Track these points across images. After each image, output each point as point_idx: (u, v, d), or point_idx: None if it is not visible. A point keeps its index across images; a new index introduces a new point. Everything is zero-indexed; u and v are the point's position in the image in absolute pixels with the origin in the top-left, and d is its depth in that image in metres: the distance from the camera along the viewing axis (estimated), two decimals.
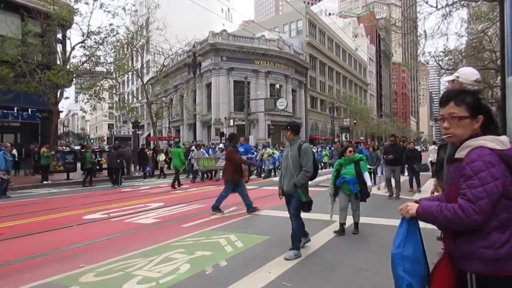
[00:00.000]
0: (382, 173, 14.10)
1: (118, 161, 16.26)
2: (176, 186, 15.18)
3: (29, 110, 23.06)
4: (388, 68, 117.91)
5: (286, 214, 8.73)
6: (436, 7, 15.38)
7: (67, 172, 18.59)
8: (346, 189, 6.69)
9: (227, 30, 45.01)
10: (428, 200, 2.01)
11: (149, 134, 47.37)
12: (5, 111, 21.92)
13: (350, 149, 6.89)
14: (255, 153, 20.71)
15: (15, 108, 22.31)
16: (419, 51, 20.08)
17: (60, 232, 7.31)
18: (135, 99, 44.70)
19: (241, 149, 16.27)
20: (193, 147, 20.37)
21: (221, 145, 22.89)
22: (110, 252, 5.59)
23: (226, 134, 33.85)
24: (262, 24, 53.41)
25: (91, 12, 20.66)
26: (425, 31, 17.54)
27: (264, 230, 7.04)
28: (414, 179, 13.18)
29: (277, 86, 41.96)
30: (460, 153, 1.87)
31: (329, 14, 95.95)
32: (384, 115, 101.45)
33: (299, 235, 5.53)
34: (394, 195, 11.44)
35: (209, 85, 43.59)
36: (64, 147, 32.60)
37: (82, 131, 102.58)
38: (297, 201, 5.40)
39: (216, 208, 8.73)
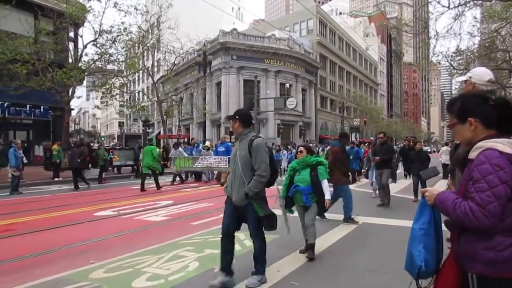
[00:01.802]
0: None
1: (79, 160, 14.42)
2: (146, 189, 13.45)
3: (42, 107, 23.41)
4: (399, 68, 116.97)
5: (294, 213, 8.77)
6: (449, 6, 15.25)
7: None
8: (299, 200, 5.37)
9: (238, 29, 45.06)
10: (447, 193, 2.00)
11: (159, 132, 47.59)
12: (17, 108, 22.25)
13: (300, 149, 5.64)
14: None
15: (28, 106, 22.66)
16: (430, 51, 19.89)
17: (71, 229, 7.39)
18: (145, 98, 44.99)
19: (221, 149, 15.88)
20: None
21: (207, 143, 20.78)
22: (120, 249, 5.64)
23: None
24: (272, 23, 53.33)
25: (104, 11, 20.86)
26: (436, 31, 17.38)
27: None
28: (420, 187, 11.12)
29: (287, 85, 41.82)
30: (472, 154, 1.88)
31: (340, 13, 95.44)
32: (395, 115, 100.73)
33: (263, 257, 4.39)
34: (385, 201, 9.86)
35: (219, 84, 43.68)
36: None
37: (92, 129, 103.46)
38: (254, 217, 4.13)
39: (349, 218, 7.71)
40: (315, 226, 5.47)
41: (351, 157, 14.59)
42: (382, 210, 9.31)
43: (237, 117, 4.23)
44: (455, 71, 21.53)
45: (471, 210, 1.74)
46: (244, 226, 4.38)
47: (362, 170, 15.03)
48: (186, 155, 17.36)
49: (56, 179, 16.92)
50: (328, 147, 19.75)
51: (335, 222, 7.65)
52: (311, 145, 24.50)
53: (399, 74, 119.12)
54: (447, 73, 28.64)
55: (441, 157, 18.15)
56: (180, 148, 18.37)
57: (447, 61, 21.09)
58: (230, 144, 16.84)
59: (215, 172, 16.74)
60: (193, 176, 18.20)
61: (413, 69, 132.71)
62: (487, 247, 1.76)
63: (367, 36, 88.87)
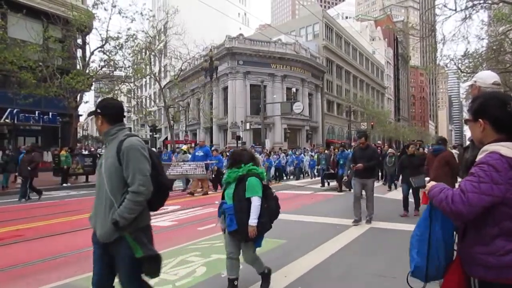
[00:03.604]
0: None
1: (29, 168, 12.86)
2: None
3: (50, 114, 23.62)
4: (406, 71, 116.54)
5: (301, 218, 8.76)
6: (455, 9, 15.18)
7: (86, 175, 18.88)
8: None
9: (244, 34, 45.28)
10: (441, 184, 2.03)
11: (167, 137, 47.83)
12: (27, 115, 22.46)
13: (235, 154, 4.26)
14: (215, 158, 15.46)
15: (36, 112, 22.87)
16: (437, 54, 19.78)
17: (80, 234, 7.41)
18: (152, 103, 45.21)
19: (199, 153, 14.54)
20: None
21: (184, 147, 18.75)
22: None
23: (242, 137, 33.99)
24: (278, 28, 53.48)
25: (110, 18, 21.04)
26: (443, 34, 17.29)
27: (280, 234, 6.99)
28: (411, 198, 9.37)
29: (294, 89, 41.86)
30: (479, 157, 1.89)
31: (346, 17, 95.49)
32: (402, 119, 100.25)
33: None
34: (365, 220, 8.08)
35: (225, 89, 43.83)
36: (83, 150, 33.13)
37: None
38: (127, 259, 2.67)
39: None
40: (258, 258, 4.25)
41: (341, 162, 14.00)
42: (391, 214, 9.22)
43: (98, 110, 2.84)
44: (463, 74, 21.38)
45: (452, 194, 1.79)
46: None
47: (344, 178, 13.09)
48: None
49: (64, 184, 17.03)
50: (325, 152, 19.44)
51: (344, 226, 7.62)
52: (253, 148, 22.31)
53: (406, 77, 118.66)
54: (455, 76, 28.43)
55: None
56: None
57: (455, 64, 20.94)
58: (208, 148, 15.55)
59: (191, 180, 14.91)
60: None
61: (420, 72, 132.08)
62: (487, 252, 1.76)
63: (373, 40, 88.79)
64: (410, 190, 9.21)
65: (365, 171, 8.04)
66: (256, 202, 3.80)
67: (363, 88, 71.97)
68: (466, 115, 2.07)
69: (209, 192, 14.13)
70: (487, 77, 3.24)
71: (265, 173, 4.19)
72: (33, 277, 4.80)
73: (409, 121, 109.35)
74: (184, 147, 18.51)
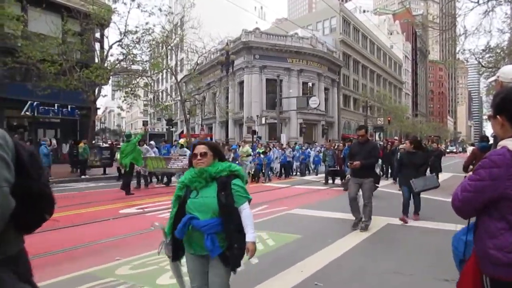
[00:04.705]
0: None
1: None
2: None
3: (69, 106, 24.00)
4: (424, 66, 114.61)
5: (316, 213, 8.73)
6: (478, 2, 14.85)
7: (104, 167, 19.16)
8: (196, 244, 2.80)
9: (260, 28, 45.10)
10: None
11: (182, 131, 48.12)
12: (46, 108, 22.87)
13: (199, 149, 2.93)
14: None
15: (56, 105, 23.26)
16: (458, 49, 19.39)
17: (98, 225, 7.54)
18: (169, 97, 45.49)
19: None
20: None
21: (181, 140, 17.78)
22: (145, 246, 5.69)
23: (257, 132, 33.97)
24: (295, 22, 53.09)
25: (129, 12, 21.19)
26: (465, 28, 16.93)
27: (295, 229, 7.00)
28: (412, 201, 8.07)
29: (310, 84, 41.62)
30: None
31: (364, 11, 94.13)
32: (420, 114, 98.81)
33: None
34: (361, 225, 7.03)
35: (241, 83, 43.81)
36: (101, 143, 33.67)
37: (118, 128, 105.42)
38: None
39: None
40: None
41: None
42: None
43: None
44: (484, 69, 20.95)
45: (456, 191, 1.91)
46: (265, 225, 4.34)
47: (344, 180, 11.72)
48: (153, 153, 15.16)
49: (82, 176, 17.31)
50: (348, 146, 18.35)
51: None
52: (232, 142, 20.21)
53: (425, 72, 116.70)
54: (475, 71, 27.85)
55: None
56: (146, 146, 15.52)
57: (476, 58, 20.51)
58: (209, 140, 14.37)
59: None
60: (158, 178, 16.10)
61: (439, 67, 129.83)
62: (496, 246, 1.75)
63: (391, 34, 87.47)
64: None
65: (362, 169, 6.91)
66: (248, 212, 2.81)
67: (380, 83, 71.11)
68: (486, 111, 2.04)
69: None
70: (509, 72, 3.17)
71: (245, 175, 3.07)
72: (53, 267, 4.90)
73: (427, 117, 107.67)
74: (182, 140, 17.60)
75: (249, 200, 2.85)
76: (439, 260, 5.06)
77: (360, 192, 7.20)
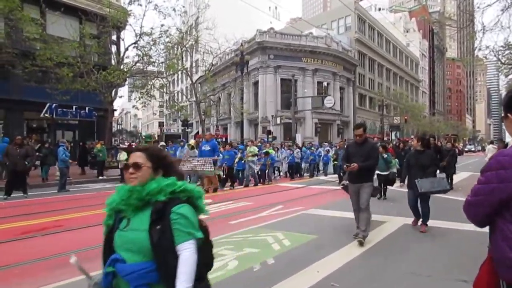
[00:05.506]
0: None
1: (26, 162, 12.04)
2: None
3: (86, 108, 24.41)
4: (442, 64, 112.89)
5: (332, 213, 8.69)
6: None
7: (121, 169, 19.36)
8: None
9: (275, 28, 45.02)
10: None
11: (198, 132, 48.44)
12: (64, 110, 23.30)
13: (134, 158, 1.97)
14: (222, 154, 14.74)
15: (74, 107, 23.68)
16: (476, 45, 19.06)
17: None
18: (184, 98, 45.83)
19: (206, 148, 13.07)
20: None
21: (191, 141, 17.47)
22: None
23: (272, 132, 33.95)
24: (309, 21, 52.92)
25: (144, 14, 21.45)
26: (483, 24, 16.61)
27: (311, 229, 6.98)
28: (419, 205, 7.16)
29: (325, 83, 41.36)
30: None
31: (379, 9, 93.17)
32: (437, 113, 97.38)
33: None
34: (359, 236, 6.08)
35: (256, 83, 43.83)
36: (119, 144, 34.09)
37: (134, 129, 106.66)
38: None
39: None
40: None
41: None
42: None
43: None
44: (503, 66, 20.55)
45: (467, 196, 1.89)
46: (281, 225, 4.33)
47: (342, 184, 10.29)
48: None
49: (100, 177, 17.56)
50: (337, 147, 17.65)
51: (377, 222, 7.48)
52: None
53: (442, 70, 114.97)
54: (494, 68, 27.37)
55: (487, 156, 17.37)
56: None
57: (495, 55, 20.13)
58: (216, 143, 14.09)
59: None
60: None
61: (457, 64, 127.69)
62: (510, 246, 1.69)
63: (407, 31, 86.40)
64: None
65: (360, 173, 6.13)
66: (191, 252, 1.83)
67: (397, 81, 70.31)
68: None
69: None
70: None
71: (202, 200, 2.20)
72: (72, 267, 4.96)
73: (444, 115, 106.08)
74: (192, 141, 17.26)
75: (198, 239, 1.90)
76: (457, 260, 4.99)
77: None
